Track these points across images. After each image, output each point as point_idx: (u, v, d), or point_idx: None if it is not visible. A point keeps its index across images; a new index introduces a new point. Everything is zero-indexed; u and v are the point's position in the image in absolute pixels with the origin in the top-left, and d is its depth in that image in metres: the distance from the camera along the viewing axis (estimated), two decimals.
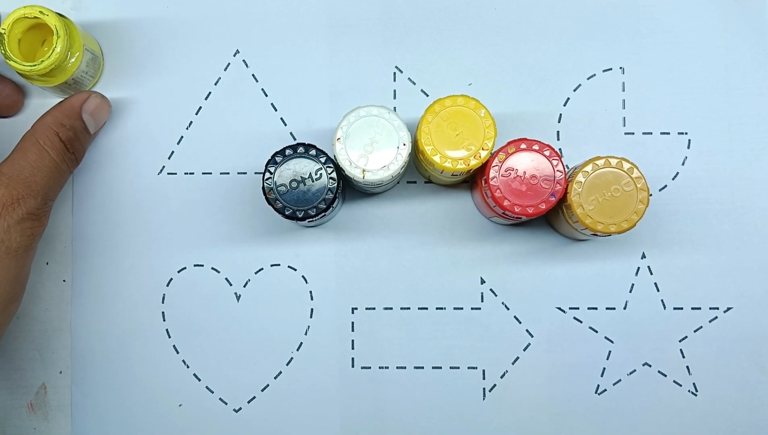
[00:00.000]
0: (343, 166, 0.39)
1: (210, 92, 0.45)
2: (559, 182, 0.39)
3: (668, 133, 0.45)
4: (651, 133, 0.45)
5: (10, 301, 0.39)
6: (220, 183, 0.45)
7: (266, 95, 0.45)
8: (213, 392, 0.45)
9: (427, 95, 0.45)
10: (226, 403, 0.45)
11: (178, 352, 0.45)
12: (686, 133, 0.45)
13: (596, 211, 0.39)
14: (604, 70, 0.45)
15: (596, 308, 0.45)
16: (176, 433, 0.45)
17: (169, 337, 0.45)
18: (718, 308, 0.45)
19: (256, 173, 0.45)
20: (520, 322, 0.45)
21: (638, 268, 0.45)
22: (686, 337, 0.45)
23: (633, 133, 0.45)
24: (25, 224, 0.39)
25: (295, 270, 0.45)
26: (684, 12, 0.45)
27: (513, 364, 0.45)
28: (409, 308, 0.45)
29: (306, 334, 0.45)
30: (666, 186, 0.45)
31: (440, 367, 0.45)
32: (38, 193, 0.39)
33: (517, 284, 0.45)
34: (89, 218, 0.45)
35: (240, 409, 0.45)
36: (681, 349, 0.45)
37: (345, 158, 0.38)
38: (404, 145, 0.39)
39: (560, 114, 0.45)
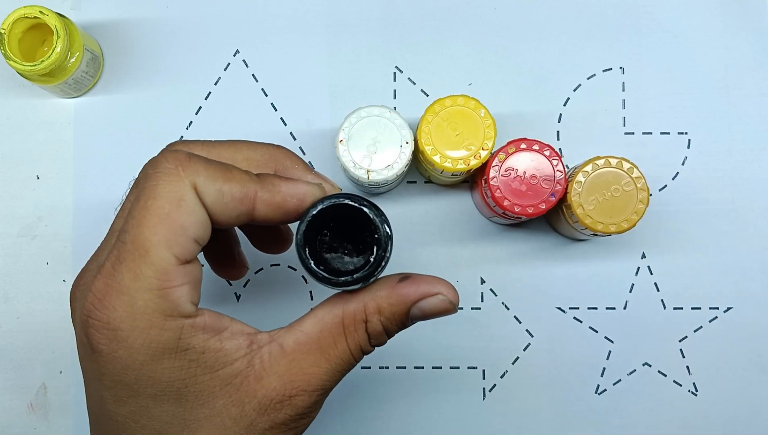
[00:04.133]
0: (347, 168, 0.39)
1: (210, 92, 0.45)
2: (559, 182, 0.39)
3: (668, 133, 0.45)
4: (651, 133, 0.45)
5: None
6: None
7: (266, 95, 0.45)
8: None
9: (427, 95, 0.45)
10: None
11: None
12: (686, 133, 0.45)
13: (596, 211, 0.39)
14: (604, 70, 0.45)
15: (596, 308, 0.45)
16: None
17: None
18: (718, 308, 0.45)
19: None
20: (520, 322, 0.45)
21: (638, 268, 0.45)
22: (686, 337, 0.45)
23: (633, 133, 0.45)
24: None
25: (295, 270, 0.45)
26: (684, 12, 0.45)
27: (513, 364, 0.45)
28: None
29: None
30: (666, 186, 0.45)
31: (440, 367, 0.45)
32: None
33: (517, 284, 0.45)
34: (89, 218, 0.45)
35: None
36: (681, 349, 0.45)
37: (348, 160, 0.38)
38: (407, 143, 0.39)
39: (560, 114, 0.45)
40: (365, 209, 0.29)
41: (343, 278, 0.29)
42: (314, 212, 0.29)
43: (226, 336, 0.29)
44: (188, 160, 0.28)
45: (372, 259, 0.29)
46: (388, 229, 0.29)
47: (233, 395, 0.28)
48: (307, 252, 0.29)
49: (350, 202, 0.29)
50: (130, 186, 0.31)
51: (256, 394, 0.28)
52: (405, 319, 0.32)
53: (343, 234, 0.30)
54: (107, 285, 0.27)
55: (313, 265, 0.29)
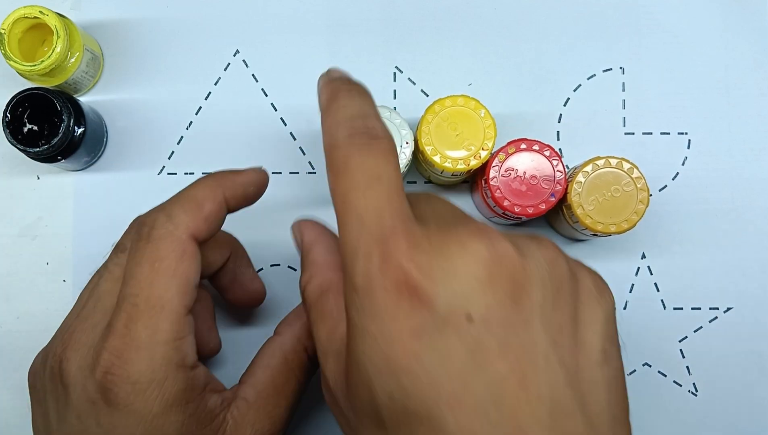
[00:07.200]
0: None
1: (210, 92, 0.45)
2: (559, 182, 0.39)
3: (668, 133, 0.45)
4: (651, 133, 0.45)
5: None
6: None
7: (266, 95, 0.45)
8: None
9: (427, 95, 0.45)
10: None
11: None
12: (686, 133, 0.45)
13: (596, 211, 0.39)
14: (604, 70, 0.45)
15: None
16: None
17: None
18: (718, 308, 0.45)
19: None
20: None
21: (638, 268, 0.45)
22: (686, 337, 0.45)
23: (633, 133, 0.45)
24: None
25: (295, 270, 0.45)
26: (684, 12, 0.45)
27: None
28: None
29: None
30: (666, 186, 0.45)
31: None
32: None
33: None
34: (89, 218, 0.45)
35: None
36: (681, 349, 0.45)
37: None
38: (407, 143, 0.39)
39: (560, 114, 0.45)
40: (48, 95, 0.38)
41: (37, 149, 0.39)
42: (12, 102, 0.38)
43: (208, 392, 0.31)
44: (176, 216, 0.30)
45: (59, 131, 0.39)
46: (62, 105, 0.39)
47: None
48: (9, 133, 0.38)
49: (38, 92, 0.38)
50: (114, 247, 0.33)
51: None
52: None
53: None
54: (124, 343, 0.29)
55: (10, 137, 0.38)
